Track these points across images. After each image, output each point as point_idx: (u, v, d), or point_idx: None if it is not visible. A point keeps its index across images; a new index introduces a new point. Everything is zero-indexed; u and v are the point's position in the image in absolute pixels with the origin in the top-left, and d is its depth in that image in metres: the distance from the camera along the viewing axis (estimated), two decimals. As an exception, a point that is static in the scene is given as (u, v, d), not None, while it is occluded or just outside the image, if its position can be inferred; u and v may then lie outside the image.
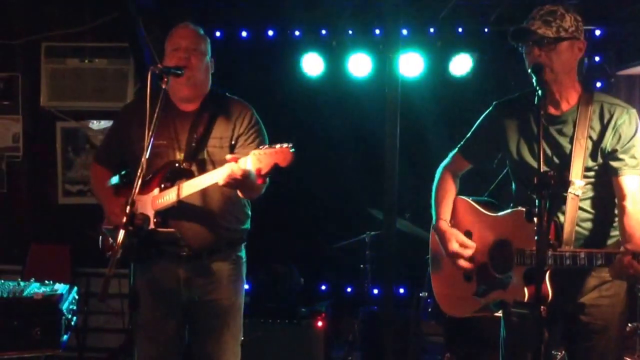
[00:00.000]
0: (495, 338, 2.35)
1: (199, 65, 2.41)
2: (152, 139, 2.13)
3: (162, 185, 2.35)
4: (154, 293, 2.43)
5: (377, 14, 4.09)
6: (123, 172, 2.55)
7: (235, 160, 2.14)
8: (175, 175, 2.37)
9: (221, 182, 2.18)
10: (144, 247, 2.29)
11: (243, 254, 2.57)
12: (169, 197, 2.33)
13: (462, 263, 2.27)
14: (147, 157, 2.10)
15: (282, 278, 4.01)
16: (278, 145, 2.08)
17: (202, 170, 2.39)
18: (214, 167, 2.38)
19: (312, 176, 4.46)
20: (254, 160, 2.10)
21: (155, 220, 2.33)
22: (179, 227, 2.36)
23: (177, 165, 2.38)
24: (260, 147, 2.13)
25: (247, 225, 2.57)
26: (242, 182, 2.16)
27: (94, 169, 2.65)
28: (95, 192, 2.63)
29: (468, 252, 2.26)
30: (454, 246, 2.27)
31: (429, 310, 3.62)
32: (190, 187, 2.30)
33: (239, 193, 2.36)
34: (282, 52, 4.54)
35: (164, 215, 2.34)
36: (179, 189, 2.31)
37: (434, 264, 2.47)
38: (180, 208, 2.33)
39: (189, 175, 2.37)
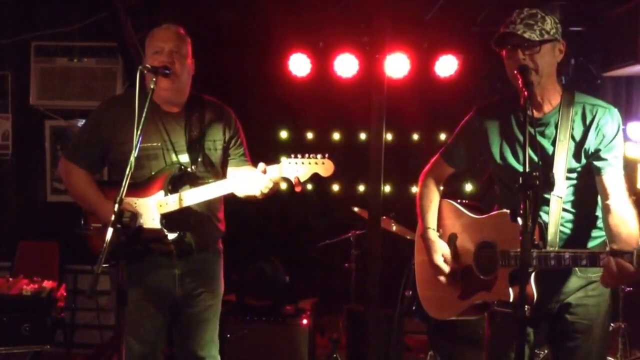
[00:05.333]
0: (479, 337, 2.38)
1: (181, 68, 2.40)
2: (140, 138, 2.14)
3: (169, 188, 2.38)
4: (145, 291, 2.46)
5: (364, 15, 4.11)
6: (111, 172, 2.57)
7: (265, 170, 2.27)
8: (181, 179, 2.41)
9: (259, 189, 2.29)
10: (132, 245, 2.29)
11: (221, 245, 2.66)
12: (178, 201, 2.35)
13: (442, 279, 2.31)
14: (135, 156, 2.11)
15: (267, 276, 4.03)
16: (320, 156, 2.25)
17: (202, 172, 2.44)
18: (212, 169, 2.47)
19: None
20: (289, 169, 2.24)
21: (162, 222, 2.37)
22: (183, 227, 2.40)
23: (182, 167, 2.41)
24: (294, 156, 2.25)
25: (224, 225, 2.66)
26: (275, 188, 2.30)
27: (70, 172, 2.50)
28: (80, 195, 2.49)
29: (448, 269, 2.30)
30: (438, 260, 2.31)
31: (413, 308, 3.64)
32: (205, 194, 2.35)
33: (250, 197, 2.41)
34: (269, 52, 4.57)
35: (169, 217, 2.38)
36: (180, 195, 2.35)
37: (419, 268, 2.49)
38: (186, 210, 2.38)
39: (194, 177, 2.41)
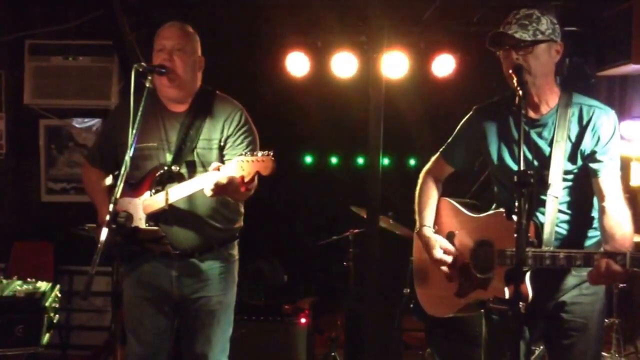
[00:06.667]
0: (477, 334, 2.39)
1: (183, 66, 2.37)
2: (135, 138, 2.14)
3: (153, 190, 2.37)
4: (145, 292, 2.45)
5: (362, 15, 4.12)
6: (116, 173, 2.54)
7: (218, 168, 2.18)
8: (166, 179, 2.38)
9: (207, 191, 2.21)
10: (128, 246, 2.29)
11: (235, 251, 2.59)
12: (159, 201, 2.35)
13: (445, 270, 2.31)
14: (130, 156, 2.11)
15: (266, 275, 4.02)
16: (260, 154, 2.14)
17: (192, 172, 2.41)
18: (204, 169, 2.40)
19: (296, 175, 4.48)
20: (237, 168, 2.14)
21: (148, 224, 2.35)
22: (170, 230, 2.38)
23: (166, 168, 2.39)
24: (243, 154, 2.16)
25: (240, 224, 2.59)
26: (226, 189, 2.19)
27: (86, 171, 2.61)
28: (89, 194, 2.58)
29: (450, 259, 2.30)
30: (438, 254, 2.30)
31: (411, 306, 3.65)
32: (178, 192, 2.33)
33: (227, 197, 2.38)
34: (267, 51, 4.56)
35: (155, 218, 2.37)
36: (166, 194, 2.34)
37: (416, 266, 2.50)
38: (171, 211, 2.36)
39: (179, 178, 2.38)
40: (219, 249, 2.50)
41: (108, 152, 2.53)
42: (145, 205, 2.37)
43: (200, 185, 2.25)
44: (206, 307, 2.49)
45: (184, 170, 2.40)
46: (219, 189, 2.18)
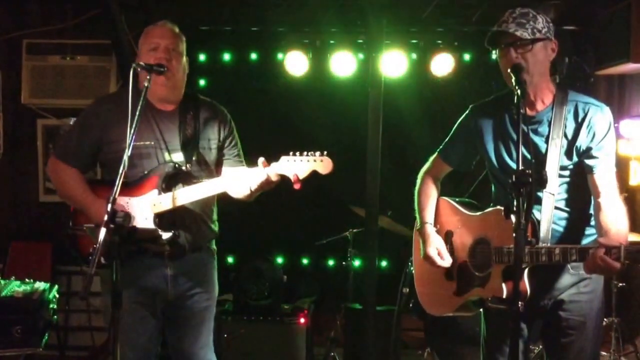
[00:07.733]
0: (475, 333, 2.40)
1: (178, 66, 2.40)
2: (133, 138, 2.13)
3: (163, 187, 2.36)
4: (137, 293, 2.43)
5: (361, 14, 4.12)
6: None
7: (266, 164, 2.24)
8: (175, 177, 2.39)
9: (253, 186, 2.28)
10: (126, 245, 2.26)
11: (214, 247, 2.65)
12: (172, 200, 2.33)
13: (436, 270, 2.33)
14: (129, 155, 2.10)
15: (265, 275, 4.02)
16: (318, 154, 2.21)
17: (200, 171, 2.44)
18: (207, 168, 2.46)
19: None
20: (290, 166, 2.21)
21: (155, 221, 2.35)
22: (176, 227, 2.39)
23: (177, 166, 2.39)
24: (294, 153, 2.23)
25: (216, 224, 2.65)
26: (270, 185, 2.27)
27: (58, 169, 2.48)
28: (68, 193, 2.46)
29: (441, 263, 2.31)
30: (431, 252, 2.33)
31: (410, 305, 3.65)
32: (199, 192, 2.33)
33: (244, 195, 2.41)
34: (266, 50, 4.56)
35: (162, 217, 2.36)
36: (174, 194, 2.33)
37: (416, 264, 2.51)
38: (177, 209, 2.36)
39: (188, 176, 2.40)
40: (206, 246, 2.56)
41: (87, 150, 2.46)
42: (154, 203, 2.35)
43: (249, 181, 2.30)
44: (199, 304, 2.52)
45: (190, 169, 2.42)
46: (267, 185, 2.26)
